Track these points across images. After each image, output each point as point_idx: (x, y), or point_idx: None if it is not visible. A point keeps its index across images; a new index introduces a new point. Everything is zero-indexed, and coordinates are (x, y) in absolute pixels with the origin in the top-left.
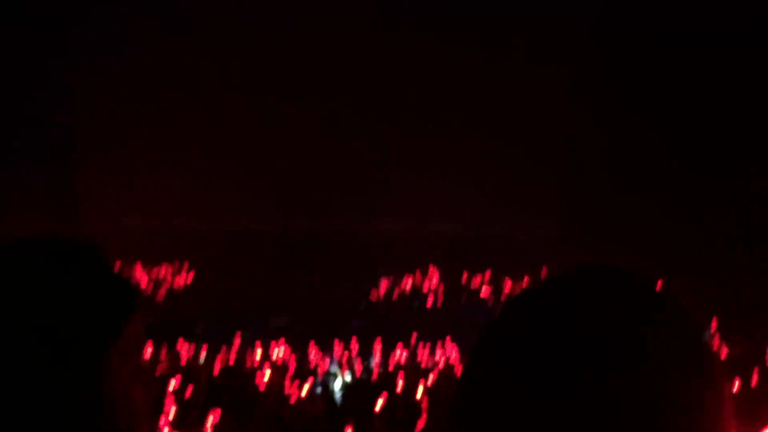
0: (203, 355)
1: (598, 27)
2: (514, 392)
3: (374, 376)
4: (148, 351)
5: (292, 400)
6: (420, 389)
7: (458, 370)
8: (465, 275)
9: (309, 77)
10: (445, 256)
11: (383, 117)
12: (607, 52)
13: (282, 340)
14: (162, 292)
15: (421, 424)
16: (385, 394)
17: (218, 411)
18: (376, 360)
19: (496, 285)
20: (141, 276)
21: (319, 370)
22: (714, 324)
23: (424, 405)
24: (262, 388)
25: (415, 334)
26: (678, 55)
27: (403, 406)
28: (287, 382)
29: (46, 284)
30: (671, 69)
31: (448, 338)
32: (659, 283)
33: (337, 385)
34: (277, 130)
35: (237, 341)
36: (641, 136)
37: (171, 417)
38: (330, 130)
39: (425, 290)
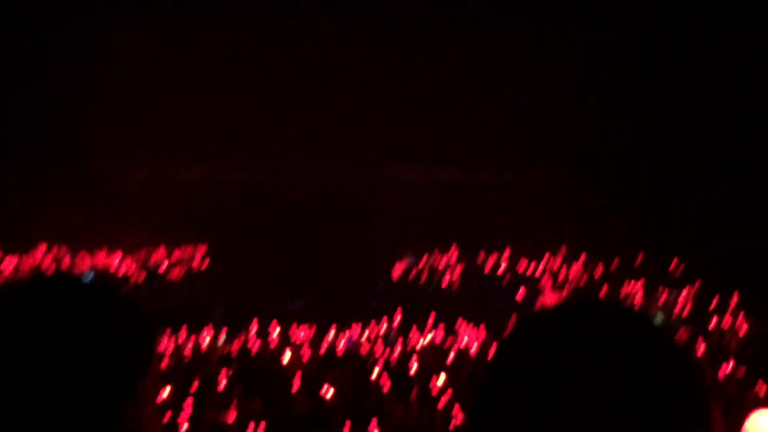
0: (222, 339)
1: None
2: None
3: (394, 356)
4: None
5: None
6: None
7: (474, 352)
8: (482, 254)
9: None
10: (457, 203)
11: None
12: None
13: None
14: (179, 273)
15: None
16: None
17: (238, 393)
18: (394, 339)
19: (513, 263)
20: (160, 258)
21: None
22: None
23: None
24: (282, 371)
25: (433, 314)
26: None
27: (419, 389)
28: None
29: (76, 325)
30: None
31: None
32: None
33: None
34: (275, 80)
35: (255, 326)
36: (648, 89)
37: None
38: (330, 78)
39: (442, 269)
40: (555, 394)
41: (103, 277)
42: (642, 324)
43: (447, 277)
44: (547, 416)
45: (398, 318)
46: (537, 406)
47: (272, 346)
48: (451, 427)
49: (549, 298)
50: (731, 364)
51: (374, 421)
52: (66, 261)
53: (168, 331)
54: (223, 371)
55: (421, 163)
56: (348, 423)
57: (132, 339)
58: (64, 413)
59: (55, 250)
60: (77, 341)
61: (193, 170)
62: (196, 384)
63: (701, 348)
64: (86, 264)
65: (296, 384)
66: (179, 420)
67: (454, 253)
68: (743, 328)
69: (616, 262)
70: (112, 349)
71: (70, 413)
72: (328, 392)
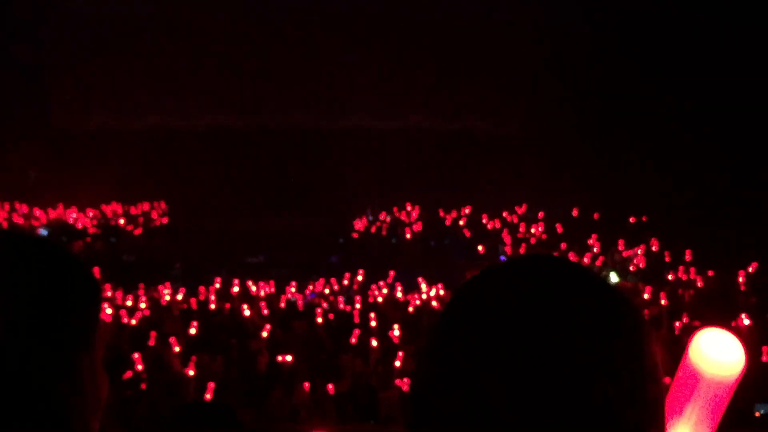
0: (180, 294)
1: None
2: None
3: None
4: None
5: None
6: (396, 326)
7: (435, 304)
8: (441, 212)
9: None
10: (418, 148)
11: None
12: None
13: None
14: (139, 230)
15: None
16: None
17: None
18: (353, 295)
19: (474, 219)
20: (117, 211)
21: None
22: (688, 255)
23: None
24: (241, 327)
25: (392, 271)
26: None
27: (379, 340)
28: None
29: (23, 280)
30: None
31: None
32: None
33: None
34: (241, 33)
35: (216, 281)
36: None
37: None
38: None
39: (402, 223)
40: (495, 345)
41: (58, 232)
42: (581, 276)
43: (407, 233)
44: (487, 368)
45: (359, 274)
46: (477, 358)
47: (232, 302)
48: (407, 379)
49: (508, 253)
50: (685, 316)
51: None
52: (20, 217)
53: (125, 286)
54: (182, 327)
55: (388, 112)
56: (307, 378)
57: (73, 296)
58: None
59: (7, 206)
60: (16, 297)
61: (150, 119)
62: (152, 339)
63: (660, 301)
64: (42, 219)
65: (256, 340)
66: (137, 377)
67: (414, 209)
68: (698, 282)
69: (575, 216)
70: (52, 306)
71: (11, 369)
72: (288, 347)
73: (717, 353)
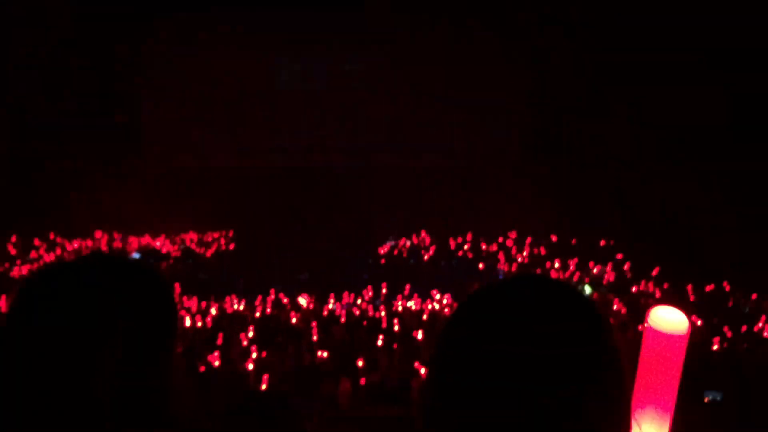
0: (243, 305)
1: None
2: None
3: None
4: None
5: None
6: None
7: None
8: (452, 242)
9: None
10: (431, 185)
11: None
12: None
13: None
14: (210, 252)
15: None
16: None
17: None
18: (380, 304)
19: (475, 243)
20: (195, 240)
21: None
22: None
23: (421, 341)
24: (291, 331)
25: (409, 285)
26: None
27: (401, 342)
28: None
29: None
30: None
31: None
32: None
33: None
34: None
35: (271, 293)
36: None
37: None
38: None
39: (418, 248)
40: (488, 357)
41: (147, 255)
42: (562, 291)
43: (423, 255)
44: (481, 380)
45: (384, 288)
46: (472, 370)
47: (284, 310)
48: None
49: (502, 269)
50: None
51: (364, 370)
52: (117, 243)
53: (199, 298)
54: (244, 330)
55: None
56: (344, 372)
57: (154, 308)
58: (91, 376)
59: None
60: (107, 310)
61: (220, 163)
62: (220, 339)
63: (623, 309)
64: (135, 245)
65: (303, 341)
66: (209, 367)
67: (426, 237)
68: (657, 293)
69: (554, 241)
70: (137, 316)
71: (96, 376)
72: (328, 348)
73: (668, 316)
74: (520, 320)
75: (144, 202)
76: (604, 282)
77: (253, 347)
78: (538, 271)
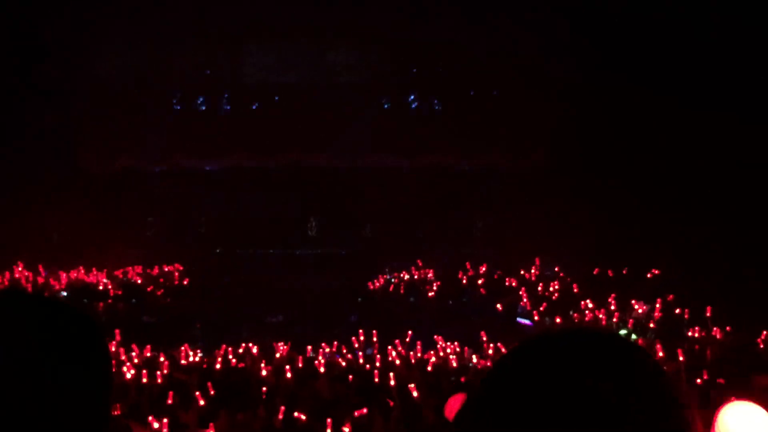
0: (199, 354)
1: None
2: None
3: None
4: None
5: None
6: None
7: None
8: (460, 273)
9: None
10: (438, 189)
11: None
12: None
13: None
14: (159, 291)
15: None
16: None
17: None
18: (374, 351)
19: (491, 278)
20: (139, 275)
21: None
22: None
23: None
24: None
25: (410, 334)
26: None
27: (398, 399)
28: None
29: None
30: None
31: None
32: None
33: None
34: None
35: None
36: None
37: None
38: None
39: (420, 282)
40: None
41: (78, 293)
42: (621, 349)
43: (429, 290)
44: None
45: (376, 335)
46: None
47: (250, 360)
48: None
49: (527, 312)
50: (705, 373)
51: None
52: (40, 279)
53: (148, 346)
54: (201, 384)
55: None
56: None
57: (79, 356)
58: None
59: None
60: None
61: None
62: (170, 398)
63: (680, 358)
64: (63, 281)
65: (275, 398)
66: None
67: (430, 271)
68: (717, 339)
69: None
70: (55, 365)
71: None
72: (307, 406)
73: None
74: (571, 389)
75: (76, 223)
76: (653, 324)
77: (213, 408)
78: (574, 315)
